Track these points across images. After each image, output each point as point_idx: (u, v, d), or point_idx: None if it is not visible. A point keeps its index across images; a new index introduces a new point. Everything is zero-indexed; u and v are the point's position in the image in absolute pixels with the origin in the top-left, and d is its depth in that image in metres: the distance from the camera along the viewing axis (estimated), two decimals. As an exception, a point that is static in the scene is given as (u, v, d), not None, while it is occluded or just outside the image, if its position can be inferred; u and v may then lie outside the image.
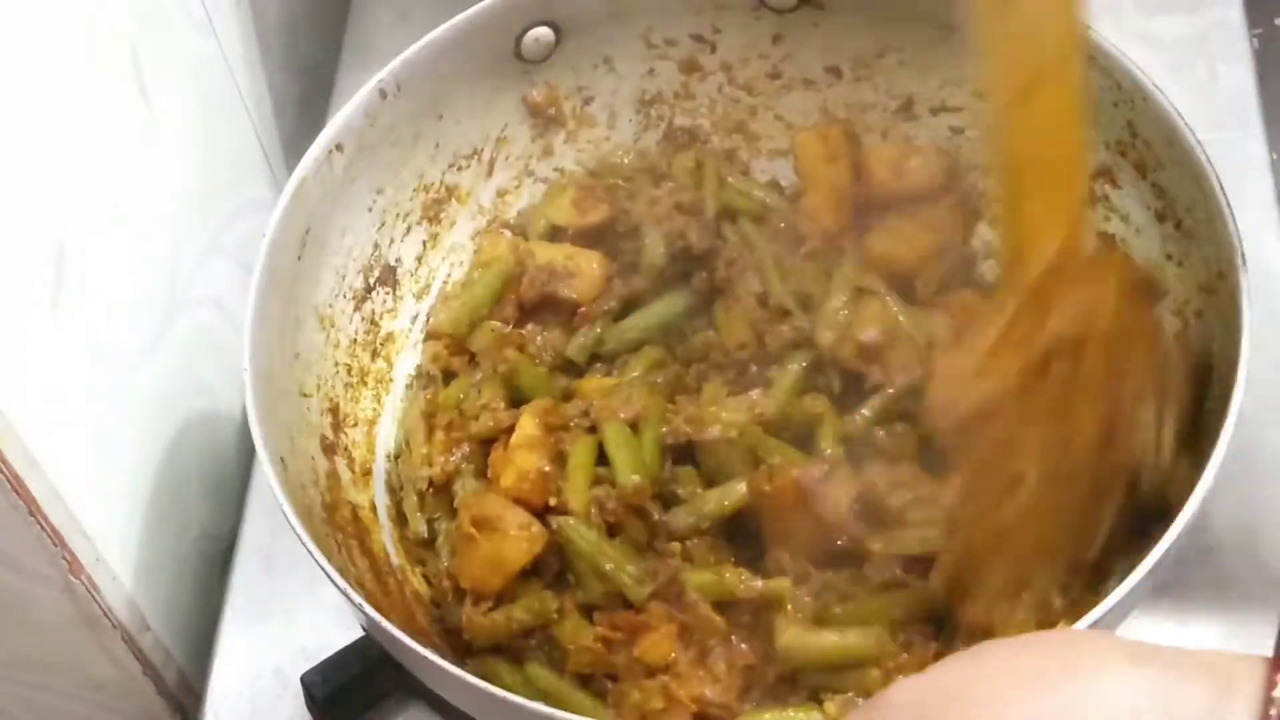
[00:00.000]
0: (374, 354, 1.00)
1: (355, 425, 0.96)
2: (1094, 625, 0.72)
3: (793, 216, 1.02)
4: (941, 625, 0.85)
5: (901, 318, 0.93)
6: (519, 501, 0.87)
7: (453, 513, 0.91)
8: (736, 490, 0.89)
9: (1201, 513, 0.74)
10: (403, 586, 0.91)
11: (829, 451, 0.90)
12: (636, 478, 0.87)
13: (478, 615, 0.86)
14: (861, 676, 0.83)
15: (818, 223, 1.00)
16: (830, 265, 0.97)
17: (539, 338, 1.00)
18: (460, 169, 1.05)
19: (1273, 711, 0.50)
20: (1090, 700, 0.52)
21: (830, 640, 0.83)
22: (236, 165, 1.13)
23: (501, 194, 1.07)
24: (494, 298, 1.00)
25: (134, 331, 0.95)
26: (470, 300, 1.00)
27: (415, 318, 1.03)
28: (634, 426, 0.91)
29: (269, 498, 0.99)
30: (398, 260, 1.02)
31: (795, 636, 0.83)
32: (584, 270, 1.00)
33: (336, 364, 0.96)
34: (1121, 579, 0.73)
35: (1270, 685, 0.50)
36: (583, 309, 1.00)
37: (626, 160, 1.08)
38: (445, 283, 1.04)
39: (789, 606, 0.84)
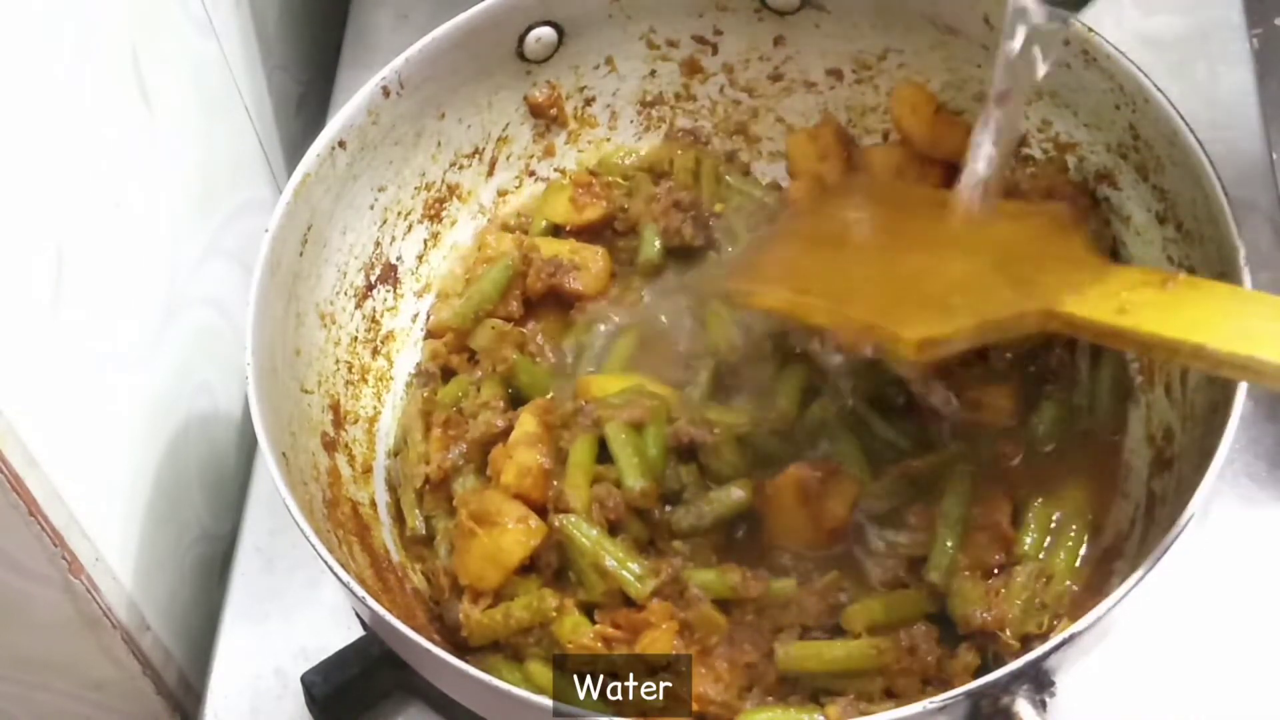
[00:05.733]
0: (374, 352, 1.00)
1: (356, 422, 0.96)
2: (1097, 623, 0.72)
3: (777, 210, 1.02)
4: (945, 625, 0.85)
5: None
6: (519, 498, 0.87)
7: (451, 510, 0.91)
8: (739, 491, 0.88)
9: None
10: (403, 583, 0.91)
11: (831, 453, 0.90)
12: (643, 482, 0.87)
13: (476, 612, 0.86)
14: (863, 680, 0.83)
15: None
16: None
17: (539, 336, 1.00)
18: (462, 168, 1.05)
19: None
20: None
21: (833, 652, 0.83)
22: (236, 165, 1.13)
23: (502, 193, 1.07)
24: (500, 293, 1.00)
25: (134, 331, 0.95)
26: (476, 295, 1.00)
27: (416, 316, 1.03)
28: (637, 426, 0.91)
29: (269, 498, 1.00)
30: (399, 258, 1.02)
31: (797, 648, 0.83)
32: (589, 264, 1.01)
33: (337, 361, 0.96)
34: (1123, 579, 0.74)
35: None
36: (581, 302, 1.00)
37: (627, 160, 1.08)
38: (446, 279, 1.04)
39: (794, 606, 0.83)
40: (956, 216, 0.84)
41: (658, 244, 1.01)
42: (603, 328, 1.00)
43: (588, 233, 1.04)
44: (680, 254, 1.03)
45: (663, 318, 1.00)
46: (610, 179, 1.06)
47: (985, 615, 0.83)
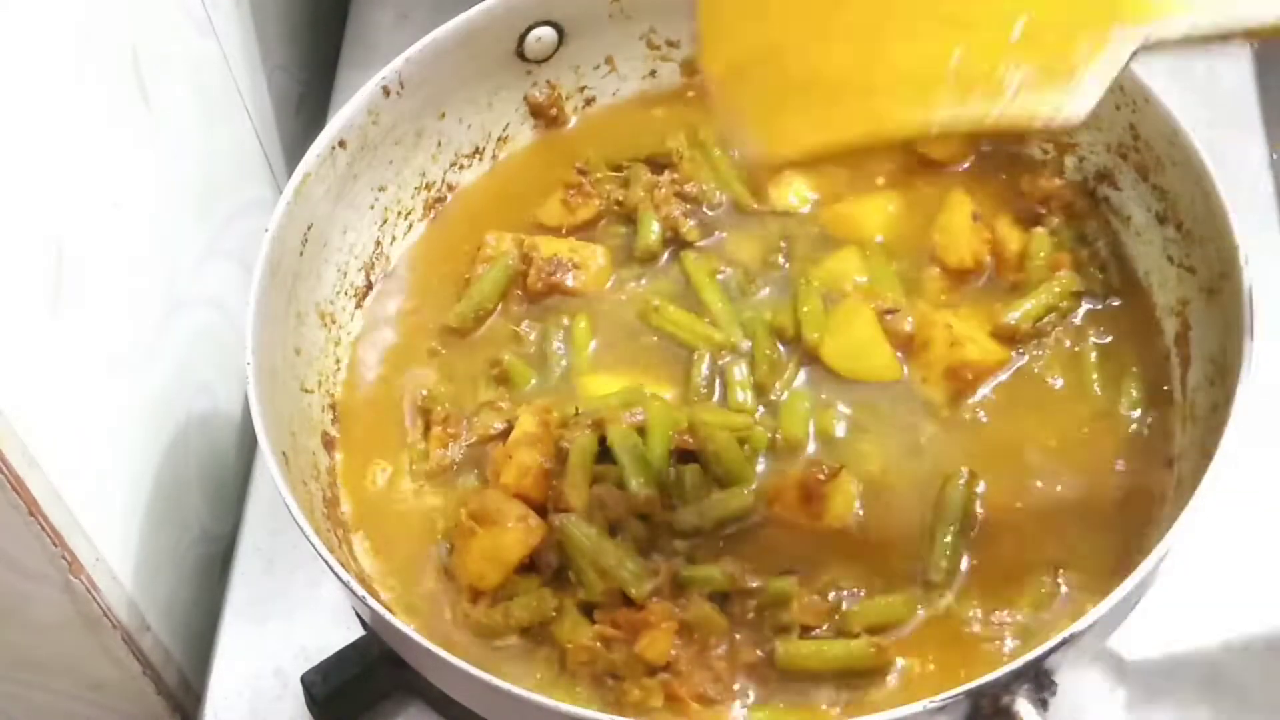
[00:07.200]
0: (375, 351, 1.00)
1: (356, 422, 0.96)
2: (1097, 623, 0.72)
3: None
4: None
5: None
6: (519, 497, 0.87)
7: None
8: (741, 492, 0.88)
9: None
10: (403, 583, 0.91)
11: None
12: (647, 490, 0.87)
13: (476, 612, 0.86)
14: (863, 681, 0.82)
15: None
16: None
17: (538, 336, 1.00)
18: (462, 168, 1.05)
19: None
20: None
21: (833, 652, 0.83)
22: (236, 165, 1.13)
23: (502, 193, 1.08)
24: (500, 292, 1.00)
25: (134, 331, 0.95)
26: (476, 295, 1.00)
27: (415, 316, 1.03)
28: (639, 428, 0.90)
29: (269, 498, 1.00)
30: (399, 258, 1.02)
31: (797, 647, 0.83)
32: (589, 262, 1.01)
33: (338, 360, 0.96)
34: (1123, 577, 0.74)
35: None
36: (581, 301, 1.00)
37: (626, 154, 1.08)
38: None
39: (795, 605, 0.83)
40: None
41: (656, 230, 1.00)
42: (601, 327, 1.00)
43: (583, 232, 1.04)
44: (676, 246, 1.02)
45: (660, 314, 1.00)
46: (599, 175, 1.06)
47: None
